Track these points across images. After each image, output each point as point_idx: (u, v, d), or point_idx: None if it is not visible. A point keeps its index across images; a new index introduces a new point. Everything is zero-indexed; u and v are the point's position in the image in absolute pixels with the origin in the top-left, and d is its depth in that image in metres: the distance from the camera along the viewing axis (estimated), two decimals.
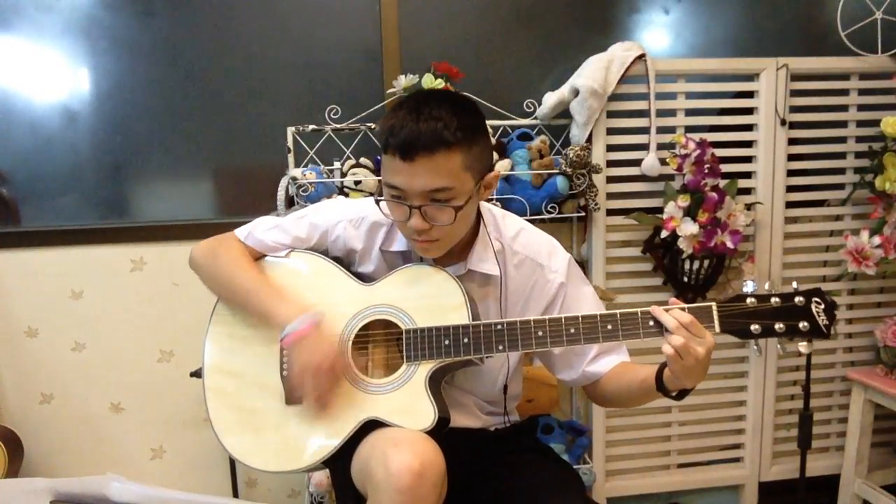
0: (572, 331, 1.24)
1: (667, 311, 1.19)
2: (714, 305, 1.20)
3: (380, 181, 2.05)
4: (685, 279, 2.19)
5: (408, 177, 1.19)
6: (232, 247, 1.40)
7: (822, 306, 1.19)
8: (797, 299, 1.19)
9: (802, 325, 1.19)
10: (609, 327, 1.23)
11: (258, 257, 1.42)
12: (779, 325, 1.19)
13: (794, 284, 1.21)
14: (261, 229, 1.42)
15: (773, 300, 1.19)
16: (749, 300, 1.20)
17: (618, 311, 1.23)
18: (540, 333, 1.24)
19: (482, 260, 1.35)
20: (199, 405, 2.21)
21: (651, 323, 1.20)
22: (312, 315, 1.27)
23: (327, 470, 1.51)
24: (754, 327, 1.19)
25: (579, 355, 1.38)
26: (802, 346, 1.22)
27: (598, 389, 1.41)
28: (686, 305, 1.20)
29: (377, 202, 1.27)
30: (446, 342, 1.26)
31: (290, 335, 1.25)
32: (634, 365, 1.36)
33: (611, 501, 2.37)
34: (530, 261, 1.37)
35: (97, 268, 2.18)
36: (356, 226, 1.39)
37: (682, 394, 1.23)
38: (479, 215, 1.36)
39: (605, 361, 1.38)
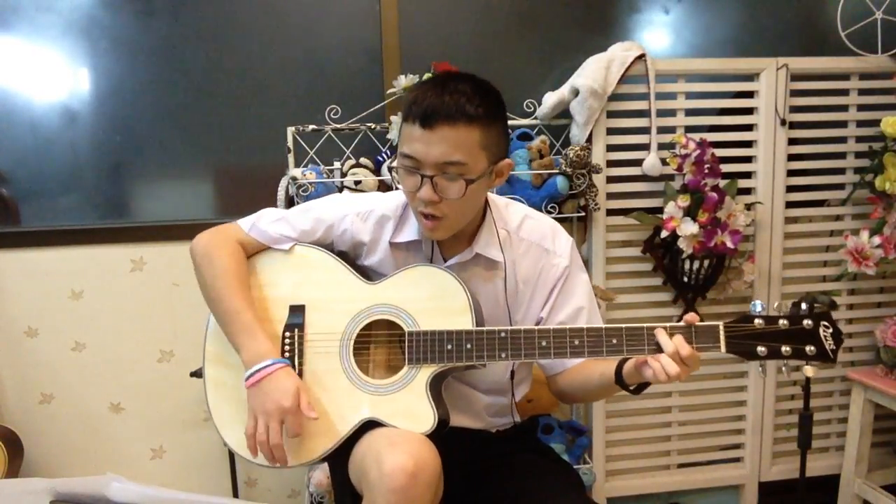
0: (576, 342, 1.23)
1: (671, 334, 1.18)
2: (721, 326, 1.19)
3: (381, 181, 2.06)
4: (685, 279, 2.19)
5: (425, 145, 1.20)
6: (226, 253, 1.37)
7: (830, 330, 1.18)
8: (805, 322, 1.18)
9: (809, 349, 1.17)
10: (614, 341, 1.22)
11: (261, 249, 1.41)
12: (785, 349, 1.17)
13: (804, 306, 1.20)
14: (265, 221, 1.41)
15: (781, 322, 1.18)
16: (757, 321, 1.18)
17: (623, 326, 1.22)
18: (544, 343, 1.24)
19: (488, 245, 1.36)
20: (199, 405, 2.23)
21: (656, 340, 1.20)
22: (272, 361, 1.25)
23: (327, 469, 1.51)
24: (760, 349, 1.18)
25: None
26: (808, 370, 1.21)
27: (559, 380, 1.41)
28: (696, 325, 1.19)
29: (390, 170, 1.28)
30: (449, 347, 1.26)
31: (249, 379, 1.25)
32: (595, 360, 1.36)
33: (611, 501, 2.37)
34: (536, 246, 1.39)
35: (97, 268, 2.18)
36: (364, 219, 1.39)
37: (640, 388, 1.24)
38: (485, 203, 1.37)
39: None
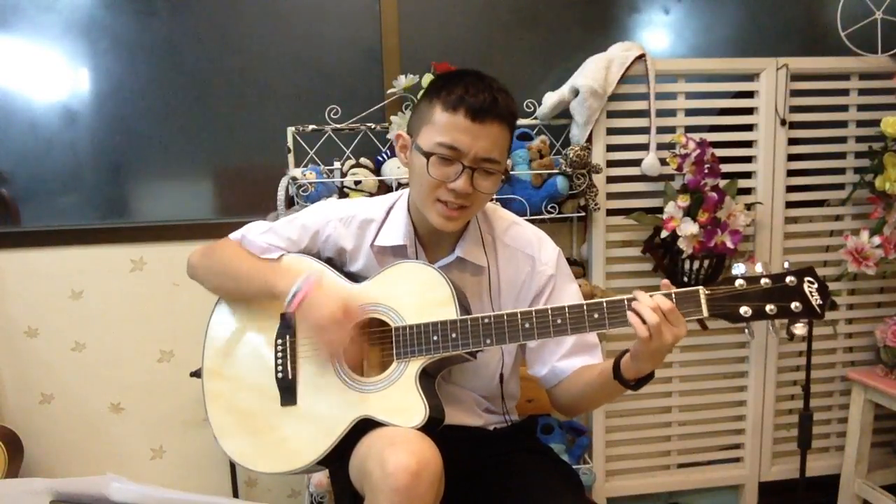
0: (559, 321, 1.23)
1: (651, 296, 1.17)
2: (701, 290, 1.16)
3: (381, 181, 2.06)
4: (685, 279, 2.19)
5: (472, 138, 1.22)
6: (228, 243, 1.44)
7: (815, 285, 1.14)
8: (788, 279, 1.15)
9: (794, 305, 1.14)
10: (596, 316, 1.21)
11: None
12: (770, 307, 1.14)
13: (786, 264, 1.17)
14: (254, 233, 1.43)
15: (764, 281, 1.15)
16: (738, 282, 1.15)
17: (604, 300, 1.21)
18: (527, 325, 1.24)
19: (472, 250, 1.36)
20: (199, 405, 2.21)
21: None
22: (308, 276, 1.28)
23: (327, 470, 1.51)
24: (744, 310, 1.15)
25: (552, 351, 1.38)
26: (798, 328, 1.18)
27: (559, 391, 1.40)
28: (675, 291, 1.17)
29: (427, 156, 1.24)
30: (435, 338, 1.26)
31: (293, 301, 1.26)
32: (593, 364, 1.36)
33: (611, 501, 2.37)
34: (521, 253, 1.39)
35: (97, 268, 2.18)
36: (346, 224, 1.40)
37: (639, 383, 1.22)
38: None
39: (575, 360, 1.37)
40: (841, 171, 2.34)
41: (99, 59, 2.16)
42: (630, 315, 1.15)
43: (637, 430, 2.37)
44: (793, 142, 2.29)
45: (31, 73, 2.14)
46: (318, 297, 1.25)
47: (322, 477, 1.99)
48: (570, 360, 1.37)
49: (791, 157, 2.29)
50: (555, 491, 1.30)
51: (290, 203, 2.01)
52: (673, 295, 1.17)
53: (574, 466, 1.70)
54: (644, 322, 1.13)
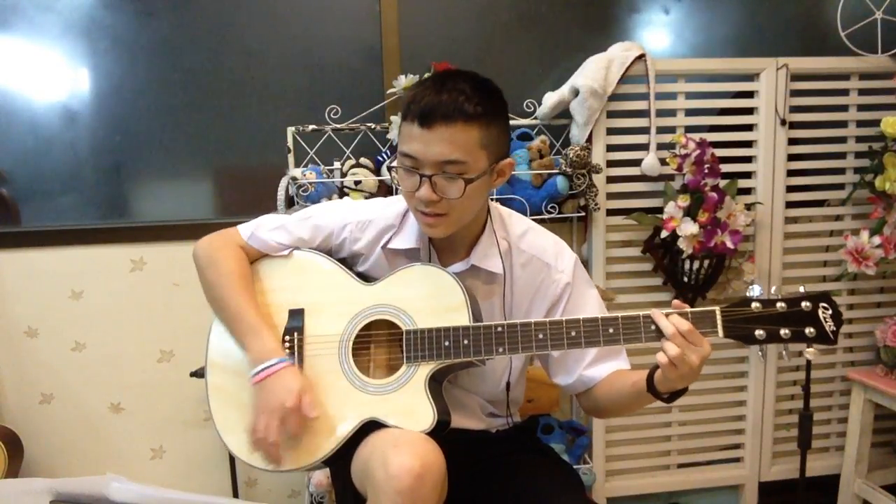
0: (573, 334, 1.22)
1: (667, 315, 1.17)
2: (718, 310, 1.17)
3: (381, 181, 2.06)
4: (685, 279, 2.19)
5: (423, 144, 1.19)
6: (229, 256, 1.38)
7: (830, 311, 1.15)
8: (804, 304, 1.16)
9: (809, 330, 1.15)
10: (610, 331, 1.21)
11: (261, 255, 1.41)
12: (784, 331, 1.15)
13: (802, 289, 1.18)
14: (265, 229, 1.41)
15: (779, 305, 1.16)
16: (754, 304, 1.16)
17: (619, 315, 1.21)
18: (540, 336, 1.23)
19: (487, 256, 1.34)
20: (199, 405, 2.23)
21: (653, 327, 1.18)
22: (283, 360, 1.26)
23: (327, 470, 1.51)
24: (759, 332, 1.16)
25: (577, 360, 1.37)
26: (809, 353, 1.19)
27: (590, 397, 1.39)
28: (690, 310, 1.18)
29: (389, 169, 1.27)
30: (446, 343, 1.26)
31: (255, 377, 1.25)
32: (626, 371, 1.35)
33: (611, 501, 2.37)
34: (537, 260, 1.37)
35: (97, 268, 2.18)
36: (362, 229, 1.39)
37: (673, 396, 1.22)
38: (487, 212, 1.36)
39: (603, 367, 1.36)
40: (841, 171, 2.34)
41: (99, 59, 2.16)
42: (658, 356, 1.15)
43: (637, 430, 2.37)
44: (793, 142, 2.29)
45: (31, 73, 2.14)
46: (280, 381, 1.23)
47: (322, 477, 1.99)
48: (598, 367, 1.36)
49: (791, 157, 2.29)
50: (555, 491, 1.30)
51: (290, 203, 2.01)
52: (689, 314, 1.17)
53: (574, 466, 1.69)
54: (666, 353, 1.13)
